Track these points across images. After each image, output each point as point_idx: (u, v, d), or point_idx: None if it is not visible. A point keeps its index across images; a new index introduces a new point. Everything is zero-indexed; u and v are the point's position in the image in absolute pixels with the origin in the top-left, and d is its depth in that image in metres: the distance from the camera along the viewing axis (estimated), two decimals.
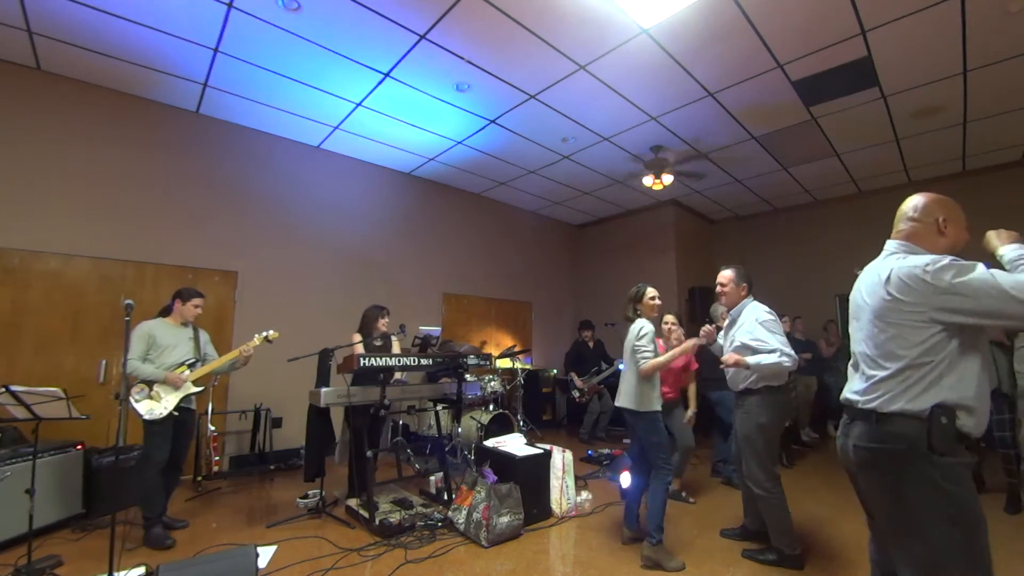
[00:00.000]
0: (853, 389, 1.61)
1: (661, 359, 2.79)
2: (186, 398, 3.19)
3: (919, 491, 1.38)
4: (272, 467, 4.65)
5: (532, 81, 4.25)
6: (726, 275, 2.95)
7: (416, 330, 5.85)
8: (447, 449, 4.42)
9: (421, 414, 4.88)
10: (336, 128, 5.19)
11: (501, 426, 4.87)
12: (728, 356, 2.69)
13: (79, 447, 3.41)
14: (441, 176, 6.57)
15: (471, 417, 4.88)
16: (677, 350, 2.95)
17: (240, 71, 4.12)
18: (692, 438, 3.76)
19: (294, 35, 3.64)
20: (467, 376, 3.91)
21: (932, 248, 1.52)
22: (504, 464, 3.40)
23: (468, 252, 7.09)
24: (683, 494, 3.73)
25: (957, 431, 1.36)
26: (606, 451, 5.25)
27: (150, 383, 3.09)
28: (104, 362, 4.16)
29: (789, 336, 5.53)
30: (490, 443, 3.73)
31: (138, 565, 2.64)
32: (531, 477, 3.37)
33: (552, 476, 3.55)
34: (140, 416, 3.01)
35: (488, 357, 4.00)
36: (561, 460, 3.59)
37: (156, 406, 3.05)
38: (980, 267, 1.35)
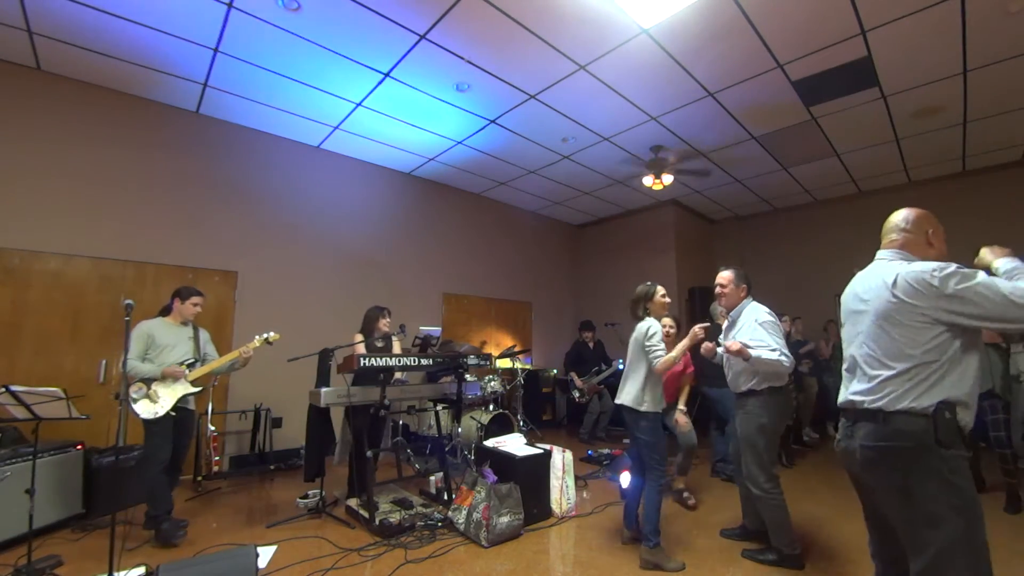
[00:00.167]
0: (854, 391, 1.62)
1: (673, 355, 2.75)
2: (184, 398, 3.18)
3: (928, 485, 1.42)
4: (272, 467, 4.65)
5: (532, 81, 4.25)
6: (726, 276, 2.94)
7: (416, 330, 5.86)
8: (447, 449, 4.42)
9: (421, 414, 4.89)
10: (336, 128, 5.19)
11: (501, 426, 4.87)
12: (731, 343, 2.65)
13: (79, 447, 3.41)
14: (441, 176, 6.57)
15: (471, 417, 4.88)
16: (685, 342, 2.93)
17: (240, 71, 4.12)
18: (694, 437, 3.75)
19: (294, 35, 3.64)
20: (467, 376, 3.90)
21: (923, 257, 1.62)
22: (504, 464, 3.40)
23: (468, 252, 7.09)
24: (685, 494, 3.70)
25: (957, 425, 1.43)
26: (606, 451, 5.25)
27: (148, 382, 3.08)
28: (104, 362, 4.16)
29: (787, 337, 5.55)
30: (490, 443, 3.73)
31: (138, 565, 2.64)
32: (531, 477, 3.37)
33: (552, 476, 3.55)
34: (138, 416, 3.01)
35: (488, 357, 4.00)
36: (561, 460, 3.59)
37: (153, 406, 3.04)
38: (982, 274, 1.44)
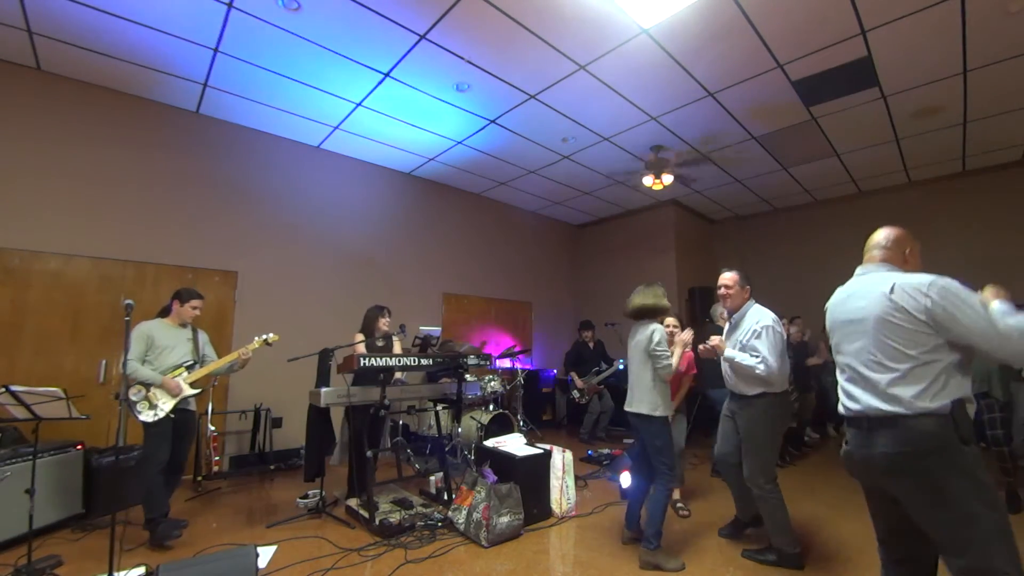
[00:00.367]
0: (861, 397, 1.64)
1: (673, 362, 2.84)
2: (184, 399, 3.17)
3: (959, 484, 1.45)
4: (272, 467, 4.65)
5: (532, 81, 4.25)
6: (731, 277, 2.91)
7: (416, 330, 5.86)
8: (447, 449, 4.42)
9: (421, 414, 4.89)
10: (336, 128, 5.19)
11: (501, 426, 4.87)
12: (712, 339, 2.79)
13: (79, 447, 3.41)
14: (441, 176, 6.57)
15: (471, 417, 4.88)
16: (678, 349, 2.99)
17: (240, 71, 4.12)
18: (682, 440, 3.72)
19: (294, 35, 3.64)
20: (467, 376, 3.90)
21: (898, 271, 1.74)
22: (504, 464, 3.40)
23: (468, 252, 7.09)
24: (679, 504, 3.60)
25: (970, 422, 1.51)
26: (606, 451, 5.25)
27: (147, 385, 3.07)
28: (104, 362, 4.16)
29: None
30: (490, 443, 3.73)
31: (138, 565, 2.64)
32: (531, 477, 3.37)
33: (552, 476, 3.55)
34: (138, 418, 3.00)
35: (488, 357, 4.00)
36: (561, 460, 3.59)
37: (152, 408, 3.03)
38: (975, 296, 1.53)
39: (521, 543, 3.03)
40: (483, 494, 3.08)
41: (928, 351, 1.52)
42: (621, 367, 5.74)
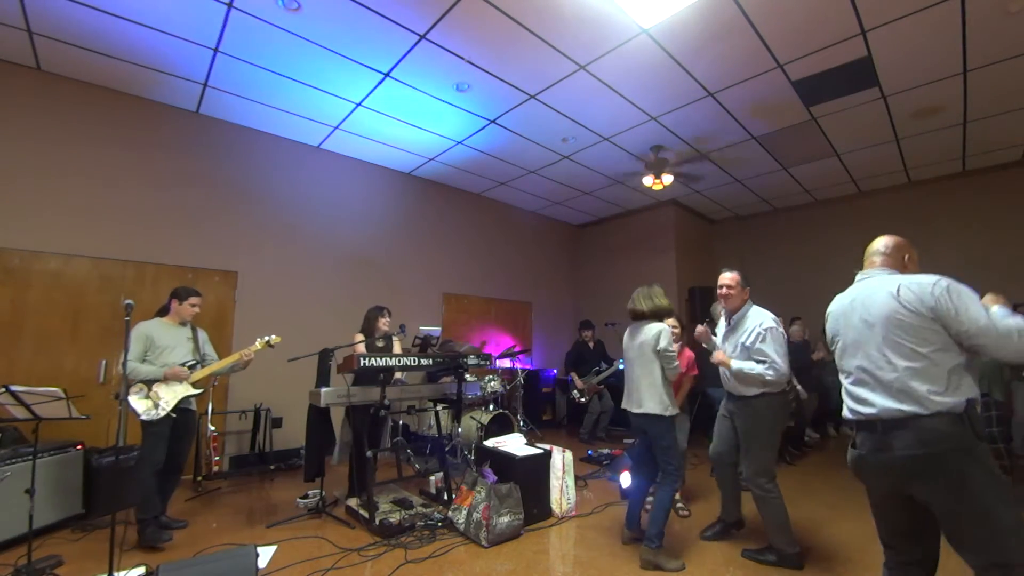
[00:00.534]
0: (873, 400, 1.64)
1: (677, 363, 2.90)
2: (185, 399, 3.17)
3: (978, 481, 1.47)
4: (272, 467, 4.65)
5: (532, 81, 4.25)
6: (732, 277, 2.91)
7: (416, 330, 5.86)
8: (447, 449, 4.42)
9: (421, 414, 4.88)
10: (336, 128, 5.19)
11: (501, 426, 4.87)
12: (717, 352, 2.78)
13: (79, 447, 3.41)
14: (441, 176, 6.57)
15: (471, 417, 4.88)
16: (702, 338, 3.05)
17: (240, 71, 4.12)
18: (684, 440, 3.71)
19: (294, 35, 3.64)
20: (467, 376, 3.90)
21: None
22: (504, 464, 3.40)
23: (468, 252, 7.09)
24: (679, 504, 3.62)
25: (980, 419, 1.55)
26: (606, 451, 5.25)
27: (149, 383, 3.07)
28: (104, 362, 4.16)
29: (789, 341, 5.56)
30: (490, 443, 3.73)
31: (138, 565, 2.64)
32: (531, 477, 3.37)
33: (552, 476, 3.55)
34: (138, 416, 3.00)
35: (488, 357, 4.00)
36: (561, 460, 3.59)
37: (154, 407, 3.03)
38: (976, 298, 1.58)
39: (521, 543, 3.03)
40: (483, 494, 3.08)
41: (938, 349, 1.55)
42: (621, 367, 5.73)
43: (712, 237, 8.57)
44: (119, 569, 2.32)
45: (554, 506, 3.51)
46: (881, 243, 1.88)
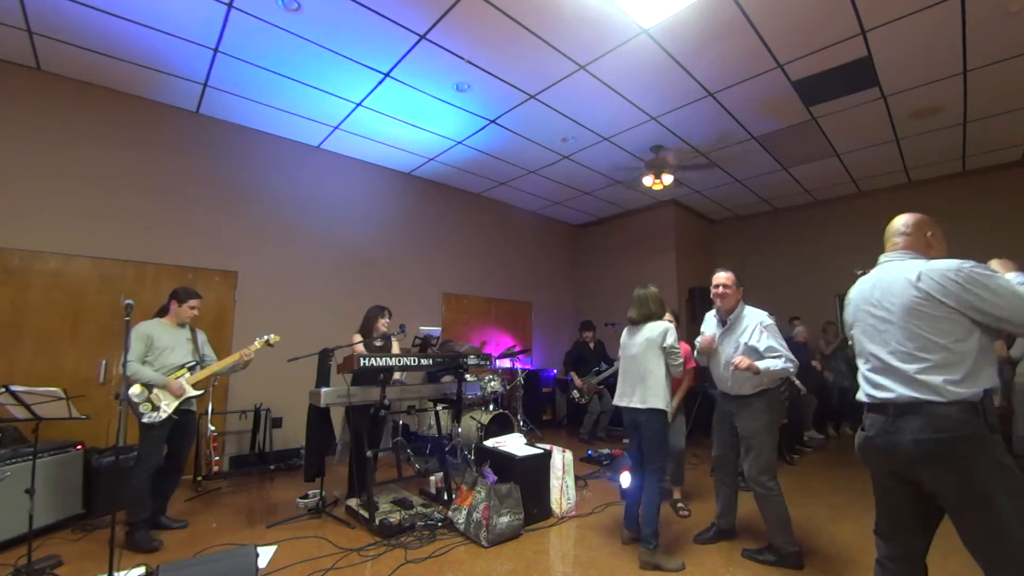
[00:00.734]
0: (889, 386, 1.63)
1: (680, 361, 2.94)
2: (186, 400, 3.17)
3: (988, 469, 1.45)
4: (272, 467, 4.65)
5: (532, 81, 4.25)
6: (728, 277, 2.92)
7: (416, 330, 5.86)
8: (447, 449, 4.42)
9: (421, 414, 4.88)
10: (336, 128, 5.19)
11: (501, 426, 4.87)
12: (741, 359, 2.68)
13: (79, 447, 3.41)
14: (441, 176, 6.57)
15: (471, 417, 4.87)
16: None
17: (240, 71, 4.12)
18: (682, 441, 3.70)
19: (294, 35, 3.64)
20: (467, 376, 3.90)
21: (926, 257, 1.70)
22: (504, 464, 3.40)
23: (468, 252, 7.09)
24: (679, 504, 3.62)
25: (995, 410, 1.52)
26: (606, 451, 5.25)
27: (149, 386, 3.06)
28: (104, 362, 4.16)
29: (789, 341, 5.56)
30: (490, 443, 3.73)
31: (138, 565, 2.64)
32: (531, 477, 3.37)
33: (552, 476, 3.55)
34: (139, 419, 2.99)
35: (488, 357, 4.00)
36: (561, 460, 3.59)
37: (155, 410, 3.02)
38: (1001, 276, 1.53)
39: (521, 543, 3.03)
40: (483, 494, 3.08)
41: (959, 340, 1.51)
42: None
43: (712, 237, 8.57)
44: (119, 569, 2.32)
45: (554, 506, 3.51)
46: (901, 222, 1.79)
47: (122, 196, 4.35)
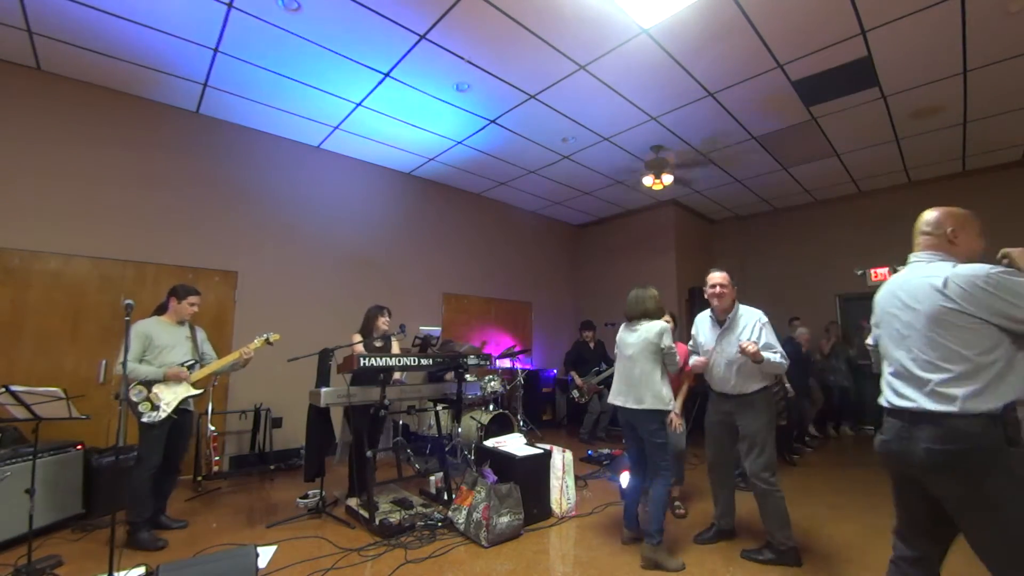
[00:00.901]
0: (909, 394, 1.61)
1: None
2: (184, 400, 3.16)
3: (1001, 483, 1.43)
4: (272, 467, 4.65)
5: (532, 81, 4.25)
6: (724, 276, 2.95)
7: (416, 330, 5.86)
8: (447, 449, 4.42)
9: (421, 414, 4.88)
10: (336, 128, 5.19)
11: (501, 426, 4.87)
12: (749, 343, 2.67)
13: (79, 447, 3.41)
14: (441, 176, 6.57)
15: (471, 417, 4.88)
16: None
17: (240, 71, 4.12)
18: (683, 441, 3.69)
19: (294, 35, 3.64)
20: (467, 376, 3.90)
21: (951, 256, 1.65)
22: (504, 464, 3.40)
23: (468, 252, 7.09)
24: (676, 503, 3.61)
25: (1019, 424, 1.47)
26: (606, 451, 5.25)
27: (148, 384, 3.05)
28: (104, 362, 4.16)
29: (790, 341, 5.56)
30: (490, 443, 3.73)
31: (138, 565, 2.64)
32: (531, 477, 3.37)
33: (552, 476, 3.55)
34: (139, 418, 2.99)
35: (488, 357, 4.00)
36: (561, 460, 3.59)
37: (155, 409, 3.01)
38: None
39: (521, 543, 3.03)
40: (483, 494, 3.08)
41: (984, 351, 1.47)
42: None
43: (712, 237, 8.57)
44: (119, 569, 2.32)
45: (554, 506, 3.51)
46: (923, 219, 1.72)
47: (122, 196, 4.35)
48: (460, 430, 4.77)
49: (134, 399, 2.99)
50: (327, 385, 3.61)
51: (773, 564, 2.69)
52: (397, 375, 3.89)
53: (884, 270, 6.42)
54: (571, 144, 5.52)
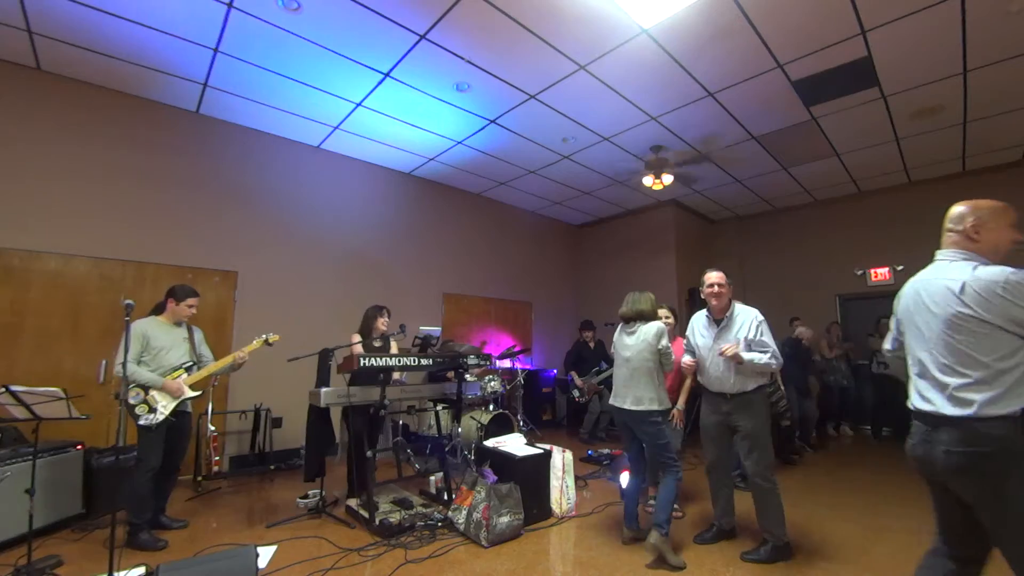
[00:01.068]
0: (931, 398, 1.61)
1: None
2: (182, 402, 3.14)
3: (1019, 483, 1.42)
4: (272, 467, 4.65)
5: (532, 81, 4.25)
6: (721, 276, 2.98)
7: (416, 330, 5.86)
8: (447, 449, 4.42)
9: (421, 414, 4.88)
10: (336, 128, 5.19)
11: (501, 426, 4.87)
12: (729, 346, 2.74)
13: (79, 447, 3.41)
14: (441, 176, 6.57)
15: (471, 417, 4.87)
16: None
17: (240, 71, 4.12)
18: (678, 442, 3.67)
19: (294, 35, 3.64)
20: (467, 376, 3.90)
21: (972, 252, 1.61)
22: (504, 464, 3.40)
23: (468, 252, 7.09)
24: (675, 506, 3.57)
25: None
26: (606, 451, 5.25)
27: (145, 387, 3.02)
28: (104, 362, 4.16)
29: (791, 340, 5.56)
30: (490, 443, 3.73)
31: (138, 565, 2.64)
32: (531, 477, 3.37)
33: (552, 476, 3.55)
34: (136, 421, 2.98)
35: (488, 357, 4.00)
36: (561, 460, 3.59)
37: (152, 412, 3.00)
38: None
39: (521, 543, 3.03)
40: (483, 494, 3.08)
41: (1002, 357, 1.45)
42: None
43: (712, 237, 8.57)
44: (119, 569, 2.32)
45: (554, 506, 3.51)
46: (949, 214, 1.67)
47: (122, 196, 4.35)
48: (460, 430, 4.76)
49: (131, 401, 2.96)
50: (327, 385, 3.61)
51: (771, 562, 2.70)
52: (397, 375, 3.89)
53: (884, 270, 6.48)
54: (571, 144, 5.52)
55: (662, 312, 3.55)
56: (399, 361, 3.41)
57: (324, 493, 3.59)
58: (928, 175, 6.36)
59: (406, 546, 2.93)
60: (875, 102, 4.54)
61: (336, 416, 4.02)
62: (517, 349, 6.15)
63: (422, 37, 3.66)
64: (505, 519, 3.04)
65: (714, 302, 2.97)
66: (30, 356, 3.86)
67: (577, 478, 3.89)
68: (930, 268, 1.71)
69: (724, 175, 6.42)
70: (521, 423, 5.84)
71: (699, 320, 3.11)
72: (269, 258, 5.15)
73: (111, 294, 4.23)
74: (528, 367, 7.28)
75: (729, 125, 5.02)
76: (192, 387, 3.19)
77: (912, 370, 1.71)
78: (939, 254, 1.71)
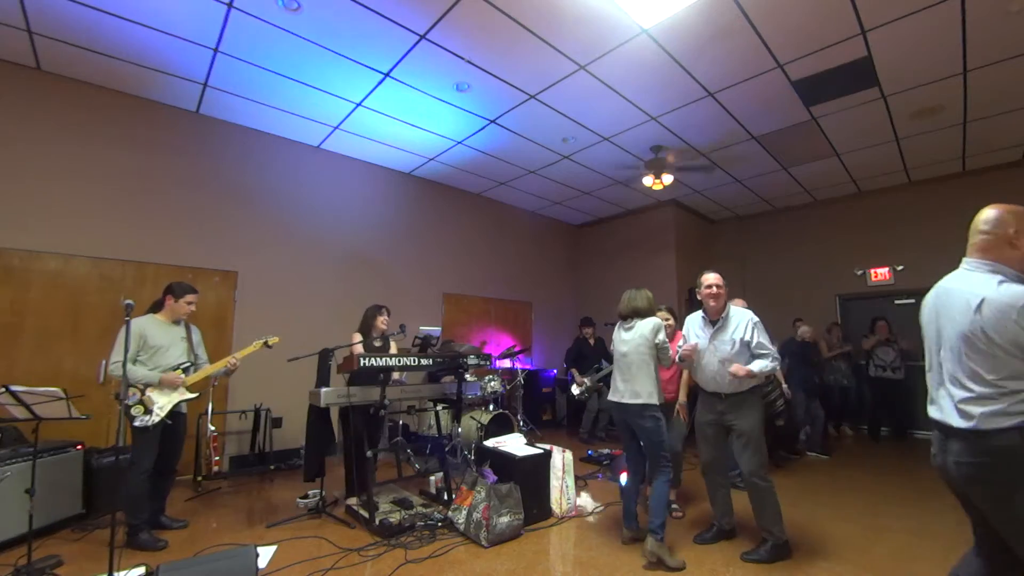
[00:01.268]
0: (943, 407, 1.62)
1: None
2: (178, 403, 3.13)
3: None
4: (272, 467, 4.65)
5: (532, 81, 4.25)
6: (718, 277, 2.99)
7: (416, 330, 5.86)
8: (447, 449, 4.42)
9: (421, 414, 4.88)
10: (336, 128, 5.19)
11: (501, 426, 4.87)
12: (739, 368, 2.75)
13: (79, 447, 3.41)
14: (441, 176, 6.57)
15: (471, 417, 4.88)
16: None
17: (240, 71, 4.12)
18: (679, 443, 3.66)
19: (294, 35, 3.64)
20: (467, 376, 3.90)
21: (1004, 260, 1.55)
22: (504, 464, 3.40)
23: (468, 252, 7.09)
24: (673, 506, 3.57)
25: None
26: (606, 451, 5.25)
27: (141, 387, 3.00)
28: (104, 362, 4.14)
29: (793, 341, 5.56)
30: (490, 443, 3.73)
31: (138, 565, 2.64)
32: (531, 477, 3.37)
33: (552, 476, 3.55)
34: (131, 422, 2.95)
35: (488, 357, 4.00)
36: (561, 460, 3.59)
37: (148, 412, 2.97)
38: None
39: (521, 543, 3.03)
40: (483, 494, 3.08)
41: (1007, 378, 1.45)
42: None
43: (712, 237, 8.57)
44: (119, 569, 2.32)
45: (554, 506, 3.51)
46: (982, 217, 1.59)
47: (122, 196, 4.35)
48: (460, 430, 4.76)
49: (127, 402, 2.95)
50: (327, 385, 3.61)
51: (771, 561, 2.70)
52: (396, 375, 3.89)
53: (884, 270, 6.48)
54: (571, 144, 5.52)
55: (661, 314, 3.54)
56: (399, 361, 3.41)
57: (324, 493, 3.59)
58: (928, 175, 6.36)
59: (406, 546, 2.93)
60: (875, 102, 4.54)
61: (335, 416, 4.03)
62: (517, 349, 6.16)
63: (422, 37, 3.66)
64: (505, 519, 3.04)
65: (712, 303, 2.98)
66: (30, 356, 3.86)
67: (577, 478, 3.89)
68: (953, 276, 1.67)
69: (724, 175, 6.42)
70: (521, 423, 5.84)
71: (695, 321, 3.12)
72: (269, 258, 5.15)
73: (111, 294, 4.23)
74: (528, 367, 7.28)
75: (729, 125, 5.02)
76: (189, 389, 3.17)
77: (931, 378, 1.71)
78: (965, 261, 1.65)
